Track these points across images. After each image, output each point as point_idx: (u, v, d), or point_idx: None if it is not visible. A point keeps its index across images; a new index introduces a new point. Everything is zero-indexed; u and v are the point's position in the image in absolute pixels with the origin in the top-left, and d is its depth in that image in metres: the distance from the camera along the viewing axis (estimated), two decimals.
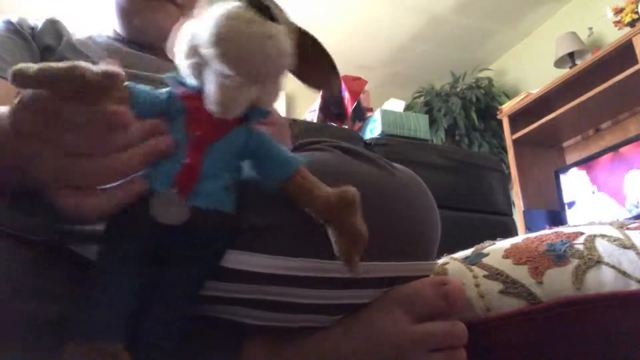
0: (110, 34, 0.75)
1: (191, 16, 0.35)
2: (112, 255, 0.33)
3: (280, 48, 0.31)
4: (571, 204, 2.49)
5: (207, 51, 0.30)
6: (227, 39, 0.29)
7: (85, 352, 0.30)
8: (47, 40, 0.63)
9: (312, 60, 0.39)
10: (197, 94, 0.33)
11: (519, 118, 2.74)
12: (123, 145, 0.31)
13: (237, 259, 0.35)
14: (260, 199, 0.36)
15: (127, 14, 0.71)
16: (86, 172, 0.30)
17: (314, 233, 0.36)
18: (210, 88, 0.32)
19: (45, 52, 0.62)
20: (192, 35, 0.33)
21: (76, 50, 0.62)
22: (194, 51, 0.32)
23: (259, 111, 0.35)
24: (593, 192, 2.38)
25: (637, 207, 2.13)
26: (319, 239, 0.36)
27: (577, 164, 2.51)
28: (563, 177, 2.55)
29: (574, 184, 2.49)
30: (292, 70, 0.37)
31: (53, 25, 0.66)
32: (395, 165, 0.43)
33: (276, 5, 0.34)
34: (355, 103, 1.68)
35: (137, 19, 0.70)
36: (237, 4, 0.30)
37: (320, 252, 0.36)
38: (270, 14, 0.31)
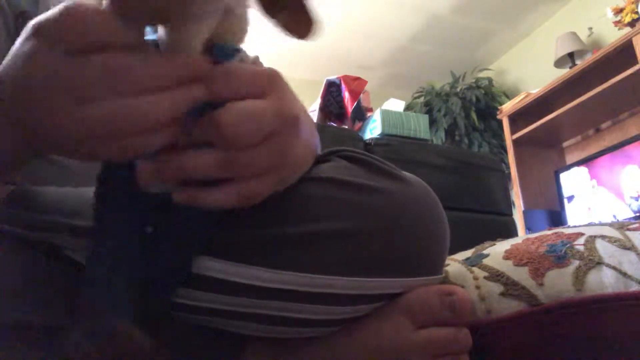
0: None
1: None
2: (108, 227, 0.33)
3: None
4: (570, 198, 2.49)
5: None
6: None
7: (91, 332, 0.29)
8: (23, 6, 0.57)
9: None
10: None
11: (519, 118, 2.74)
12: (147, 88, 0.27)
13: (232, 271, 0.34)
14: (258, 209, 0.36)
15: None
16: (104, 117, 0.26)
17: (315, 247, 0.35)
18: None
19: (21, 18, 0.55)
20: None
21: None
22: None
23: (220, 48, 0.31)
24: (593, 187, 2.39)
25: (636, 199, 2.14)
26: (323, 253, 0.35)
27: (577, 164, 2.51)
28: (563, 175, 2.56)
29: (574, 179, 2.49)
30: (257, 6, 0.32)
31: None
32: (405, 174, 0.40)
33: None
34: (355, 103, 1.68)
35: None
36: None
37: (325, 267, 0.35)
38: None
